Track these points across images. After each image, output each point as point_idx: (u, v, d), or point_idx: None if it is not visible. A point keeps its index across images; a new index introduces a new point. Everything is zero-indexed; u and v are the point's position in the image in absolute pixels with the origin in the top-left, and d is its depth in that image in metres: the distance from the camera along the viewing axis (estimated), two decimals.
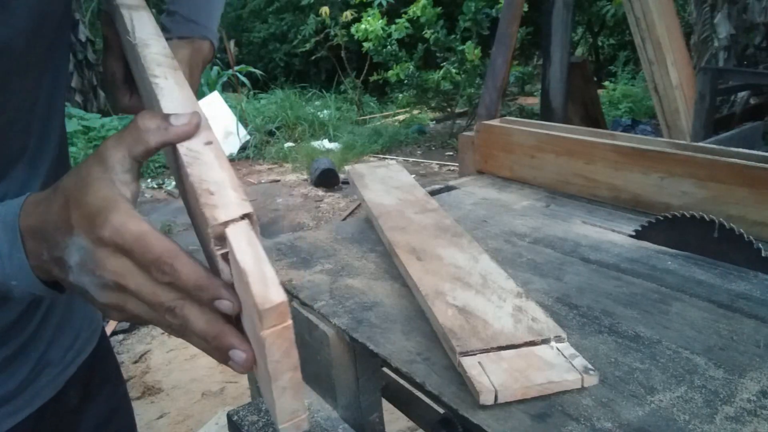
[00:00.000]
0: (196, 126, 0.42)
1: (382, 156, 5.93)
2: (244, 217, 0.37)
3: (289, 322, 0.34)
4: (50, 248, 0.42)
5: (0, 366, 0.61)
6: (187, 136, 0.42)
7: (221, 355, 0.39)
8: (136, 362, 2.55)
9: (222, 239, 0.37)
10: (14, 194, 0.56)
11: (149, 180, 5.26)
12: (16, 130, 0.58)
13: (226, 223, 0.37)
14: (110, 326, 2.75)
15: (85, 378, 0.75)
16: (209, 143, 0.43)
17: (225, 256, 0.38)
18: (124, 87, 0.69)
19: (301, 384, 0.36)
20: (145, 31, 0.58)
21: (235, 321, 0.40)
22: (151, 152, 0.43)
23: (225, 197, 0.38)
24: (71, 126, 5.50)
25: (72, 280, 0.42)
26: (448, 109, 7.02)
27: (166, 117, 0.42)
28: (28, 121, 0.60)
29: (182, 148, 0.42)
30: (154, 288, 0.39)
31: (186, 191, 0.43)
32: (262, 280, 0.34)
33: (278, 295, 0.33)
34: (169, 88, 0.47)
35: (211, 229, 0.36)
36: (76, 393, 0.74)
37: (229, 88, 7.78)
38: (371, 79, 7.26)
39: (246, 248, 0.35)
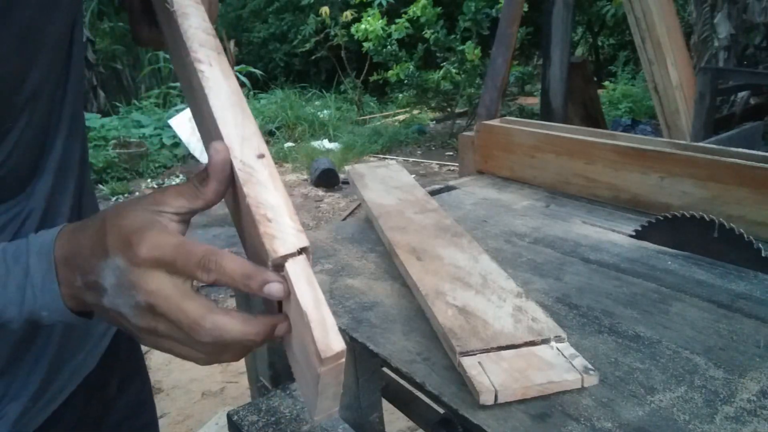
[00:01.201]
0: (227, 154, 0.43)
1: (382, 156, 5.93)
2: (301, 251, 0.39)
3: (343, 359, 0.36)
4: (84, 273, 0.43)
5: (23, 347, 0.61)
6: (226, 165, 0.43)
7: (268, 334, 0.42)
8: None
9: (280, 268, 0.39)
10: (40, 208, 0.59)
11: (149, 180, 5.27)
12: (40, 143, 0.59)
13: (285, 257, 0.38)
14: None
15: (122, 366, 0.77)
16: (262, 156, 0.43)
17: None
18: (143, 18, 0.67)
19: (340, 391, 0.39)
20: None
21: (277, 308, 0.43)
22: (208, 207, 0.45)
23: (282, 226, 0.39)
24: None
25: (106, 304, 0.42)
26: (448, 109, 7.02)
27: (206, 170, 0.43)
28: (52, 133, 0.61)
29: (236, 161, 0.42)
30: (184, 303, 0.41)
31: (239, 208, 0.44)
32: (323, 325, 0.36)
33: (338, 344, 0.35)
34: (215, 78, 0.46)
35: (271, 261, 0.38)
36: (116, 381, 0.76)
37: None
38: (371, 79, 7.25)
39: (306, 288, 0.37)
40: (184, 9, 0.51)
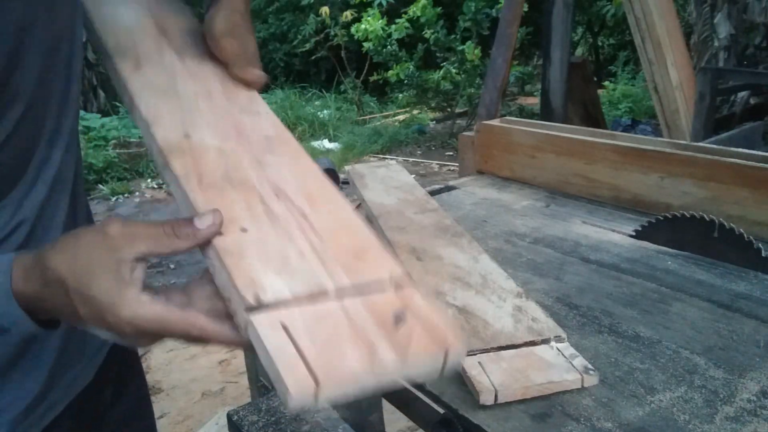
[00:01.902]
0: (220, 224, 0.43)
1: (382, 156, 5.93)
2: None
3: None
4: (59, 313, 0.43)
5: (20, 360, 0.61)
6: (213, 236, 0.43)
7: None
8: None
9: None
10: (31, 220, 0.58)
11: (149, 180, 5.26)
12: (49, 111, 0.59)
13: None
14: None
15: (118, 373, 0.76)
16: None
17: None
18: None
19: None
20: (151, 105, 0.54)
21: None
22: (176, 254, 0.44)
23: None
24: None
25: (91, 330, 0.43)
26: (448, 109, 7.01)
27: (192, 222, 0.43)
28: (50, 145, 0.60)
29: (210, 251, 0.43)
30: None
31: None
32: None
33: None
34: (198, 201, 0.47)
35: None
36: (110, 388, 0.75)
37: None
38: (371, 79, 7.25)
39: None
40: (152, 120, 0.54)
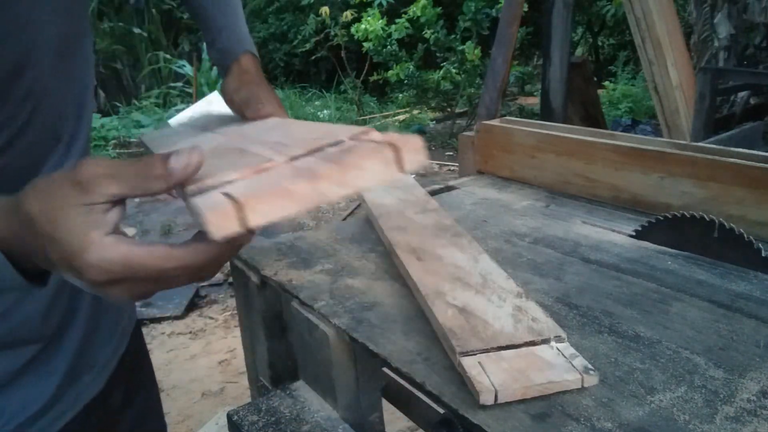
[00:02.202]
0: (196, 166, 0.40)
1: None
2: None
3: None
4: (36, 258, 0.42)
5: (32, 367, 0.61)
6: (188, 179, 0.40)
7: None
8: None
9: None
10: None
11: None
12: (59, 119, 0.60)
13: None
14: None
15: (127, 379, 0.76)
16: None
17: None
18: None
19: None
20: None
21: None
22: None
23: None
24: None
25: (66, 277, 0.42)
26: (448, 109, 7.02)
27: (167, 161, 0.40)
28: (71, 107, 0.62)
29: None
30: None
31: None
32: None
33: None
34: None
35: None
36: (120, 393, 0.75)
37: None
38: (371, 79, 7.25)
39: None
40: None
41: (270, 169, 0.40)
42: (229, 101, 0.72)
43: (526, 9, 2.25)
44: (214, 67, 7.78)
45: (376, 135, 0.41)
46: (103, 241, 0.39)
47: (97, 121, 6.12)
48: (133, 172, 0.40)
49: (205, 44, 0.81)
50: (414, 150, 0.37)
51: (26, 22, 0.52)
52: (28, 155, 0.57)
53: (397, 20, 6.46)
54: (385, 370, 0.81)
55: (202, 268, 0.41)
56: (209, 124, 0.77)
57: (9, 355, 0.59)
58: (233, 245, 0.41)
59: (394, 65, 6.62)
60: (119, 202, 0.41)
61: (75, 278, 0.40)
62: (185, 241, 0.40)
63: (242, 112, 0.70)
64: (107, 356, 0.72)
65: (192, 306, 2.96)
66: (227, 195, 0.35)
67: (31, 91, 0.55)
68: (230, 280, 3.04)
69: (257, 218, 0.34)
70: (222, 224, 0.34)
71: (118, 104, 7.28)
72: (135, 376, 0.79)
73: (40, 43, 0.54)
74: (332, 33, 7.48)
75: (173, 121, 0.95)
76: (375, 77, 7.08)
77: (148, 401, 0.85)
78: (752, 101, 4.02)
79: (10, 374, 0.59)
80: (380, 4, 6.85)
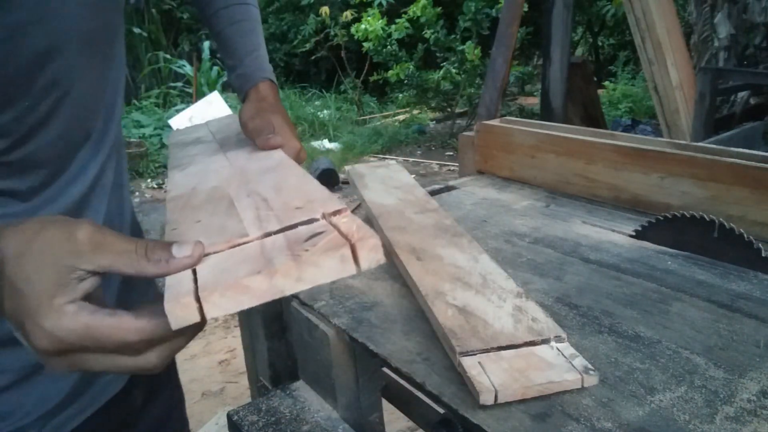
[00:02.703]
0: (198, 258, 0.40)
1: (382, 156, 5.93)
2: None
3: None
4: None
5: None
6: (187, 268, 0.39)
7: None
8: None
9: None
10: (74, 174, 0.60)
11: (149, 180, 5.27)
12: (90, 116, 0.61)
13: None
14: None
15: (149, 378, 0.76)
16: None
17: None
18: None
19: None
20: (175, 183, 0.63)
21: None
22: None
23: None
24: None
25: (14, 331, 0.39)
26: (448, 109, 7.02)
27: (169, 248, 0.40)
28: (99, 107, 0.63)
29: None
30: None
31: None
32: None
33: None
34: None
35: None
36: (141, 392, 0.75)
37: (229, 88, 7.79)
38: (371, 79, 7.25)
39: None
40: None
41: (242, 245, 0.41)
42: (243, 127, 0.74)
43: (526, 9, 2.25)
44: (215, 67, 7.80)
45: (342, 220, 0.42)
46: (64, 308, 0.37)
47: None
48: (132, 249, 0.39)
49: (226, 69, 0.83)
50: (371, 248, 0.38)
51: (52, 9, 0.52)
52: (54, 148, 0.58)
53: (397, 20, 6.46)
54: (385, 370, 0.81)
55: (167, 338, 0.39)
56: (227, 138, 0.80)
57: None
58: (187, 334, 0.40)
59: (394, 65, 6.62)
60: (101, 273, 0.39)
61: (21, 337, 0.38)
62: (150, 310, 0.38)
63: (253, 139, 0.71)
64: None
65: None
66: (194, 282, 0.37)
67: (56, 81, 0.55)
68: None
69: (214, 311, 0.35)
70: (181, 315, 0.35)
71: None
72: (156, 376, 0.80)
73: (66, 33, 0.54)
74: (332, 33, 7.48)
75: (173, 122, 0.97)
76: (375, 77, 7.08)
77: (170, 401, 0.85)
78: (752, 101, 4.02)
79: (29, 369, 0.59)
80: (380, 4, 6.85)
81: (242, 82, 0.77)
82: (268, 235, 0.42)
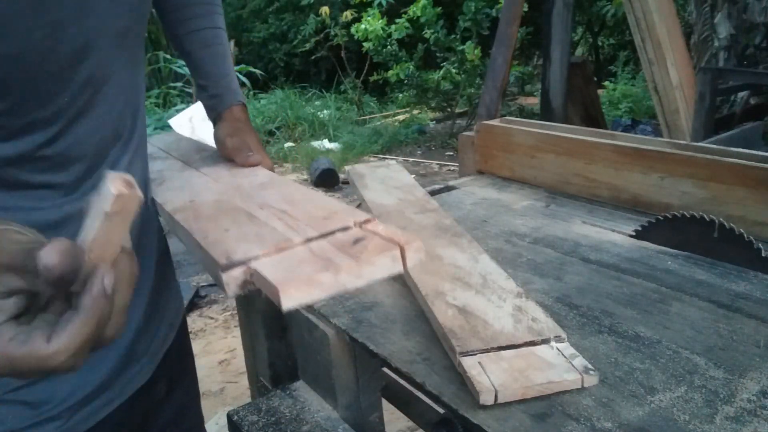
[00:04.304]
0: (68, 268, 0.35)
1: (382, 156, 5.93)
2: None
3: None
4: None
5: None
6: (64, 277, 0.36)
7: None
8: None
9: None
10: (70, 192, 0.60)
11: None
12: (120, 115, 0.64)
13: None
14: None
15: (171, 371, 0.78)
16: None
17: None
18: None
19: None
20: (166, 197, 0.66)
21: None
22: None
23: None
24: None
25: None
26: (448, 109, 7.01)
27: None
28: (128, 107, 0.66)
29: None
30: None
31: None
32: None
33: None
34: None
35: None
36: (164, 384, 0.76)
37: None
38: (371, 79, 7.25)
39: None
40: None
41: (288, 248, 0.45)
42: (220, 145, 0.79)
43: (526, 9, 2.25)
44: None
45: (379, 227, 0.46)
46: None
47: None
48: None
49: (196, 87, 0.87)
50: (417, 250, 0.42)
51: (88, 7, 0.54)
52: (89, 144, 0.60)
53: (397, 20, 6.46)
54: (385, 370, 0.81)
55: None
56: (187, 156, 0.85)
57: None
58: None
59: (394, 65, 6.62)
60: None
61: None
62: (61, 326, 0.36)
63: (232, 156, 0.77)
64: (156, 348, 0.73)
65: (192, 306, 2.96)
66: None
67: (92, 77, 0.57)
68: None
69: (288, 302, 0.39)
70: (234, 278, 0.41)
71: None
72: (177, 370, 0.81)
73: (101, 30, 0.56)
74: (332, 33, 7.48)
75: (173, 122, 0.99)
76: (375, 77, 7.08)
77: (188, 394, 0.87)
78: (752, 101, 4.01)
79: None
80: (380, 4, 6.85)
81: (216, 102, 0.83)
82: (309, 240, 0.46)
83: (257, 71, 8.13)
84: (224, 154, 0.80)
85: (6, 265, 0.36)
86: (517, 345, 0.60)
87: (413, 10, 6.29)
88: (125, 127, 0.66)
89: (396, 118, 7.43)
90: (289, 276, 0.41)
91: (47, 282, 0.35)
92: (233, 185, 0.67)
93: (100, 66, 0.58)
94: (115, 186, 0.33)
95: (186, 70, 7.59)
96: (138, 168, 0.69)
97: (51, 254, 0.34)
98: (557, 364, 0.58)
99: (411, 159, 5.78)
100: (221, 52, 0.84)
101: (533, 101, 7.21)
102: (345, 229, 0.47)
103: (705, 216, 0.83)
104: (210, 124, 0.84)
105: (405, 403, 1.02)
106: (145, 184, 0.72)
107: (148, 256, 0.72)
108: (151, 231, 0.74)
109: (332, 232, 0.47)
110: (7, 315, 0.36)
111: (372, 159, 5.75)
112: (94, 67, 0.57)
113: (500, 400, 0.54)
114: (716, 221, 0.82)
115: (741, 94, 4.02)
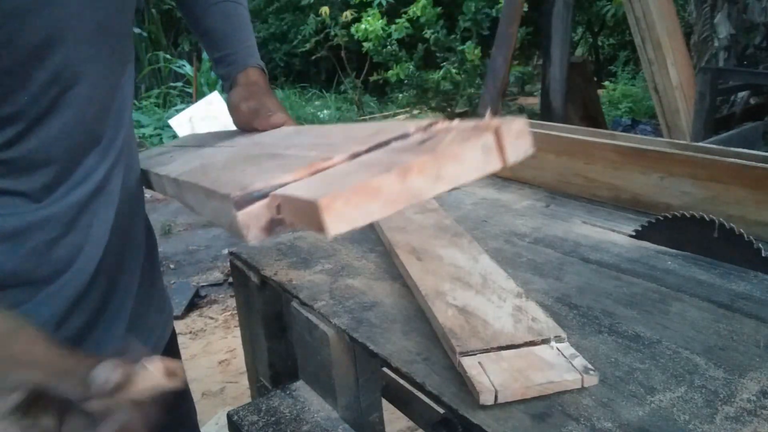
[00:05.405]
0: (117, 383, 0.39)
1: None
2: None
3: None
4: None
5: None
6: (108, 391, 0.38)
7: None
8: None
9: None
10: (79, 180, 0.58)
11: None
12: (96, 119, 0.59)
13: None
14: None
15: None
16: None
17: None
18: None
19: None
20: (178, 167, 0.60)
21: None
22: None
23: None
24: None
25: None
26: (449, 110, 7.01)
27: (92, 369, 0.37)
28: (107, 111, 0.61)
29: None
30: None
31: None
32: None
33: None
34: None
35: None
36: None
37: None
38: (371, 79, 7.25)
39: None
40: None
41: (329, 168, 0.33)
42: (235, 111, 0.69)
43: (526, 9, 2.25)
44: None
45: (454, 123, 0.34)
46: None
47: None
48: (79, 384, 0.37)
49: (213, 63, 0.80)
50: (518, 134, 0.31)
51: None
52: (57, 148, 0.55)
53: (397, 20, 6.46)
54: (385, 370, 0.81)
55: None
56: (204, 141, 0.76)
57: None
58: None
59: (394, 65, 6.62)
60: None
61: None
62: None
63: (250, 122, 0.67)
64: (158, 334, 0.73)
65: (192, 306, 2.96)
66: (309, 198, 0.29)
67: (57, 75, 0.52)
68: (230, 280, 3.04)
69: (335, 223, 0.28)
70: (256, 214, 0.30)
71: None
72: (168, 356, 0.81)
73: (70, 23, 0.51)
74: (332, 33, 7.48)
75: (173, 122, 0.97)
76: (375, 77, 7.07)
77: (180, 410, 0.85)
78: (752, 101, 4.01)
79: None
80: (380, 4, 6.85)
81: (231, 69, 0.74)
82: (356, 156, 0.34)
83: None
84: (241, 123, 0.70)
85: (44, 372, 0.37)
86: (517, 345, 0.60)
87: (413, 10, 6.29)
88: (103, 133, 0.61)
89: (396, 118, 7.43)
90: (334, 188, 0.29)
91: (98, 393, 0.37)
92: (253, 142, 0.59)
93: (69, 63, 0.53)
94: (157, 370, 0.32)
95: (186, 70, 7.59)
96: (117, 178, 0.64)
97: (107, 370, 0.37)
98: (557, 364, 0.58)
99: None
100: (242, 22, 0.77)
101: (533, 101, 7.20)
102: (404, 136, 0.35)
103: (705, 216, 0.83)
104: (210, 124, 0.82)
105: (405, 403, 1.02)
106: (131, 195, 0.67)
107: (136, 259, 0.69)
108: (134, 236, 0.70)
109: (387, 142, 0.35)
110: (9, 408, 0.37)
111: None
112: (60, 63, 0.52)
113: (500, 400, 0.54)
114: (716, 221, 0.82)
115: (741, 94, 4.02)
